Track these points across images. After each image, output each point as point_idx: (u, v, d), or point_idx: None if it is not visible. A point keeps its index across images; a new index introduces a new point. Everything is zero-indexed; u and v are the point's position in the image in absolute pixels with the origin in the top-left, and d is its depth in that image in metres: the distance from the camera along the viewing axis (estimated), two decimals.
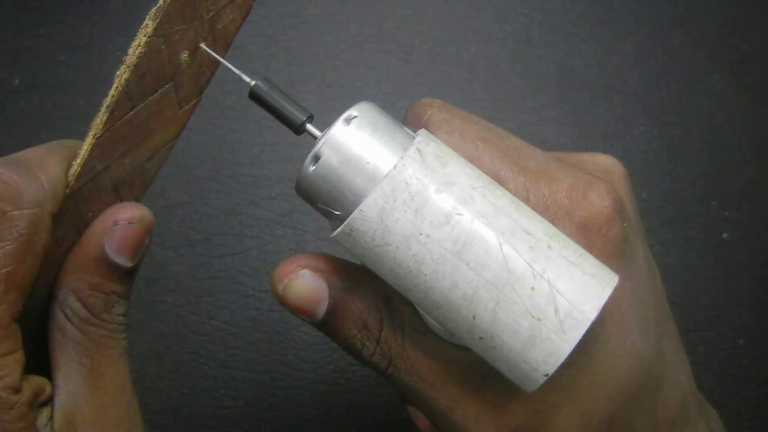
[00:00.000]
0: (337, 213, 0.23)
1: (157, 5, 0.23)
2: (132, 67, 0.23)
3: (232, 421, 0.45)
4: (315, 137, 0.24)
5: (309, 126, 0.25)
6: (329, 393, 0.45)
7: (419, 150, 0.23)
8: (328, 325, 0.27)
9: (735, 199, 0.51)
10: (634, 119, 0.53)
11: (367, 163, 0.23)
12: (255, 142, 0.51)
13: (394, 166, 0.22)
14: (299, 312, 0.26)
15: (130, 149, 0.25)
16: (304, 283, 0.26)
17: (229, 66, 0.25)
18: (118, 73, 0.23)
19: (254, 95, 0.25)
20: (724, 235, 0.51)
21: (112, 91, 0.24)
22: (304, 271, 0.26)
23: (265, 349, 0.46)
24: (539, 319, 0.22)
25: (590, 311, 0.22)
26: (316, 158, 0.23)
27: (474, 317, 0.22)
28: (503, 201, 0.23)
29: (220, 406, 0.45)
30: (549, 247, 0.22)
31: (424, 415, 0.28)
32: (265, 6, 0.54)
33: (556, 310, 0.22)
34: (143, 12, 0.23)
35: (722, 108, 0.54)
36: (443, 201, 0.22)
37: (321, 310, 0.26)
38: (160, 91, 0.24)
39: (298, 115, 0.25)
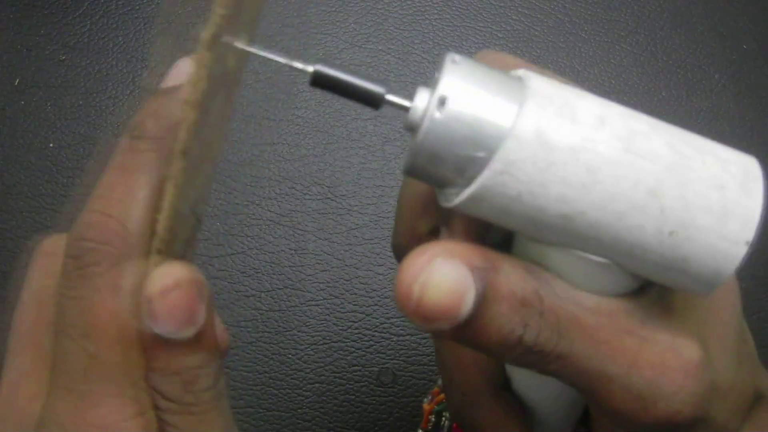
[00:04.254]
0: (480, 155, 0.20)
1: (211, 31, 0.19)
2: (198, 106, 0.20)
3: None
4: (401, 107, 0.21)
5: (390, 96, 0.21)
6: (329, 393, 0.45)
7: (534, 72, 0.21)
8: (474, 321, 0.21)
9: None
10: None
11: (498, 87, 0.20)
12: (254, 141, 0.51)
13: (529, 84, 0.20)
14: (441, 315, 0.20)
15: (201, 170, 0.23)
16: (445, 274, 0.20)
17: (278, 58, 0.22)
18: (182, 116, 0.20)
19: (319, 80, 0.21)
20: None
21: (182, 135, 0.20)
22: (438, 260, 0.20)
23: (265, 349, 0.46)
24: (723, 188, 0.20)
25: (755, 169, 0.21)
26: (442, 101, 0.20)
27: (662, 210, 0.20)
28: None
29: None
30: (682, 131, 0.21)
31: (598, 400, 0.23)
32: (264, 5, 0.54)
33: (732, 175, 0.21)
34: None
35: (722, 108, 0.54)
36: (588, 104, 0.20)
37: (467, 304, 0.20)
38: (216, 103, 0.22)
39: (376, 88, 0.21)
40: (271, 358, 0.46)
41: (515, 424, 0.27)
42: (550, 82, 0.21)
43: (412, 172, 0.21)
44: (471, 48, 0.54)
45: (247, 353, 0.46)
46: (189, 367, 0.22)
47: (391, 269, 0.48)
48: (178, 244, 0.22)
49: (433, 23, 0.55)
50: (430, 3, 0.55)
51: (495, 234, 0.24)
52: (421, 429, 0.34)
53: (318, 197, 0.49)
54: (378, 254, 0.48)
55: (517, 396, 0.28)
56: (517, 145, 0.19)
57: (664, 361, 0.22)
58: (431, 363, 0.46)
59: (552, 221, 0.20)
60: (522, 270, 0.21)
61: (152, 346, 0.21)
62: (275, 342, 0.46)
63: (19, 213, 0.48)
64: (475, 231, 0.23)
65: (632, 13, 0.56)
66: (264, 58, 0.21)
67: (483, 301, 0.21)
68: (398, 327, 0.47)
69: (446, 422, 0.33)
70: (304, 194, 0.49)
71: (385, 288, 0.47)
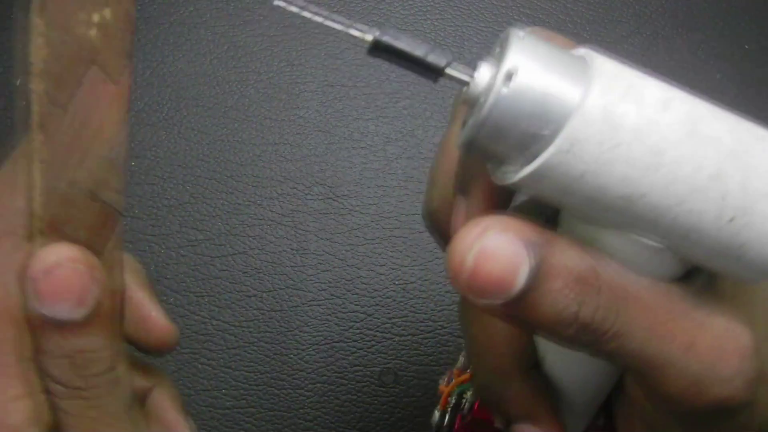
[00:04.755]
0: (545, 132, 0.19)
1: None
2: (44, 75, 0.21)
3: (234, 422, 0.45)
4: (462, 81, 0.21)
5: (451, 69, 0.21)
6: (330, 393, 0.45)
7: (599, 51, 0.21)
8: (527, 296, 0.20)
9: None
10: None
11: (564, 65, 0.20)
12: (256, 141, 0.51)
13: (594, 64, 0.20)
14: (494, 287, 0.20)
15: (86, 151, 0.23)
16: (499, 246, 0.20)
17: (334, 24, 0.20)
18: (31, 87, 0.21)
19: (377, 49, 0.21)
20: None
21: (35, 107, 0.21)
22: (492, 232, 0.20)
23: (267, 350, 0.46)
24: None
25: None
26: (509, 76, 0.20)
27: (723, 195, 0.20)
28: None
29: (221, 406, 0.45)
30: (740, 118, 0.22)
31: (651, 383, 0.22)
32: (266, 5, 0.54)
33: None
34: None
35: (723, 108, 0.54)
36: (653, 87, 0.20)
37: (521, 278, 0.20)
38: (86, 79, 0.22)
39: (437, 61, 0.21)
40: (273, 358, 0.46)
41: (543, 405, 0.27)
42: (615, 63, 0.21)
43: (470, 147, 0.21)
44: (472, 48, 0.54)
45: (249, 353, 0.46)
46: (79, 350, 0.21)
47: (393, 269, 0.48)
48: (74, 229, 0.22)
49: (435, 23, 0.55)
50: (432, 3, 0.55)
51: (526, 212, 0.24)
52: (438, 410, 0.33)
53: (320, 197, 0.49)
54: (380, 254, 0.48)
55: (546, 377, 0.28)
56: (583, 123, 0.19)
57: (721, 345, 0.22)
58: (433, 363, 0.46)
59: (612, 202, 0.20)
60: (577, 247, 0.21)
61: (40, 327, 0.21)
62: (277, 342, 0.46)
63: None
64: (495, 206, 0.23)
65: (634, 14, 0.56)
66: (321, 25, 0.21)
67: (537, 276, 0.20)
68: (400, 327, 0.47)
69: (466, 403, 0.32)
70: (306, 194, 0.49)
71: (386, 288, 0.47)
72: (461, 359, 0.34)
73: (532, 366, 0.27)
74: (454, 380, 0.33)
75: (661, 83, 0.21)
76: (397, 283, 0.48)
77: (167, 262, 0.48)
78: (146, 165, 0.50)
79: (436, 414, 0.34)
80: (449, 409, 0.33)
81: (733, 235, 0.20)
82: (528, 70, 0.20)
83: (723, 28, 0.56)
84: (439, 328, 0.47)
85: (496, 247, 0.20)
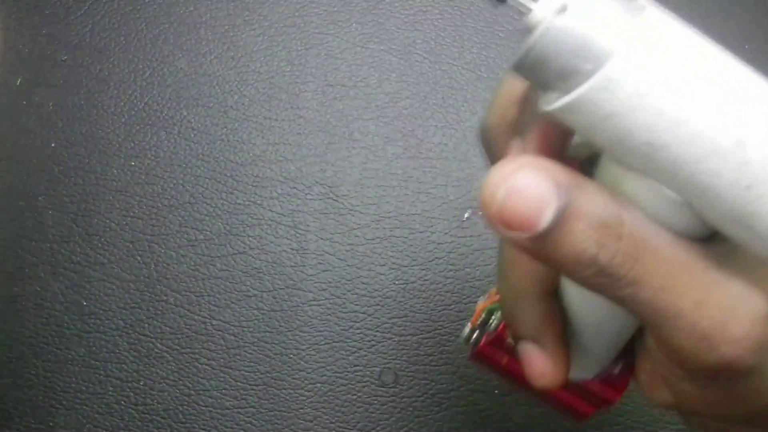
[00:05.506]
0: (586, 68, 0.20)
1: None
2: None
3: (234, 422, 0.45)
4: (523, 7, 0.22)
5: None
6: (330, 393, 0.45)
7: (656, 5, 0.22)
8: (551, 234, 0.21)
9: None
10: None
11: (617, 8, 0.21)
12: (257, 141, 0.51)
13: (648, 13, 0.21)
14: (520, 222, 0.21)
15: None
16: (530, 183, 0.21)
17: None
18: None
19: None
20: None
21: None
22: (525, 169, 0.21)
23: (267, 350, 0.46)
24: None
25: None
26: (562, 9, 0.21)
27: (744, 162, 0.20)
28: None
29: (221, 406, 0.45)
30: None
31: (663, 334, 0.23)
32: (266, 5, 0.54)
33: None
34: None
35: None
36: (698, 46, 0.21)
37: (547, 217, 0.21)
38: None
39: None
40: (273, 358, 0.46)
41: (551, 330, 0.28)
42: (669, 18, 0.21)
43: (518, 69, 0.22)
44: (473, 48, 0.54)
45: (249, 353, 0.46)
46: None
47: (393, 269, 0.48)
48: None
49: (435, 23, 0.55)
50: (432, 3, 0.55)
51: (577, 154, 0.25)
52: (470, 324, 0.34)
53: (320, 197, 0.49)
54: (380, 254, 0.48)
55: (564, 311, 0.28)
56: (621, 66, 0.20)
57: (734, 305, 0.22)
58: (433, 363, 0.46)
59: (635, 147, 0.21)
60: (606, 194, 0.22)
61: None
62: (277, 342, 0.46)
63: (21, 213, 0.48)
64: (548, 152, 0.24)
65: None
66: None
67: (562, 217, 0.21)
68: (400, 327, 0.47)
69: (494, 321, 0.33)
70: (306, 194, 0.49)
71: (386, 288, 0.47)
72: None
73: (551, 293, 0.28)
74: (489, 298, 0.34)
75: (708, 43, 0.21)
76: (397, 283, 0.48)
77: (167, 262, 0.48)
78: (146, 165, 0.50)
79: (467, 328, 0.34)
80: (478, 324, 0.34)
81: (747, 203, 0.21)
82: (580, 6, 0.21)
83: (723, 28, 0.56)
84: (439, 328, 0.47)
85: (527, 185, 0.21)
